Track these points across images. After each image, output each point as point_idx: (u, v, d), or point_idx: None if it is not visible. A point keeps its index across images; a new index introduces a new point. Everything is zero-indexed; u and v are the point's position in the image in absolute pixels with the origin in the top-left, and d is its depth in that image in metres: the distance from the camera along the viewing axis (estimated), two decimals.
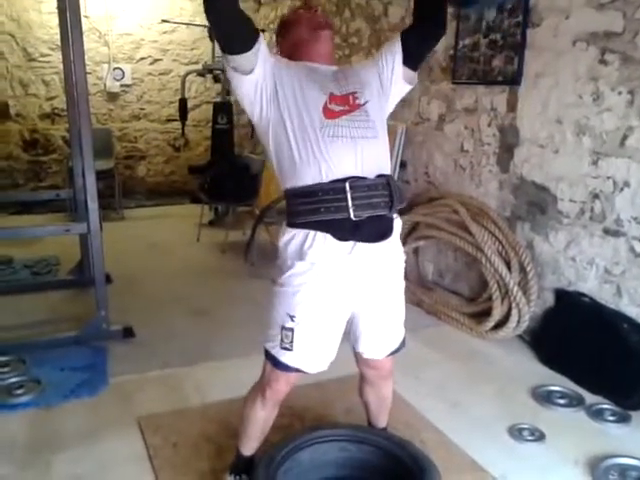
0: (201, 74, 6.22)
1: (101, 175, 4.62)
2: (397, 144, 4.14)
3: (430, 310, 3.71)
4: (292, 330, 1.72)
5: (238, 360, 2.90)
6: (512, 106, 3.37)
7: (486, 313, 3.37)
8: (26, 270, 4.43)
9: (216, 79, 6.16)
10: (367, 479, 1.97)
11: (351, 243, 1.68)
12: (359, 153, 1.68)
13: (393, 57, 1.82)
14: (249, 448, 1.97)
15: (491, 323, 3.30)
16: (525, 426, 2.48)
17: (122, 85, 6.69)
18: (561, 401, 2.71)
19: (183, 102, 5.90)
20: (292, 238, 1.70)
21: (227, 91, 6.02)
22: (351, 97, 1.72)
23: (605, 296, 2.92)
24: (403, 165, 4.25)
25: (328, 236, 1.67)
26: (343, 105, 1.70)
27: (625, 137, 2.76)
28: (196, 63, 6.79)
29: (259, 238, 4.40)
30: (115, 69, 6.58)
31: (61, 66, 3.89)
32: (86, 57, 3.10)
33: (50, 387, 2.72)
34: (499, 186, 3.53)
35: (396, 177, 4.11)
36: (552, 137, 3.13)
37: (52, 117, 6.49)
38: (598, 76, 2.85)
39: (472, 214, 3.49)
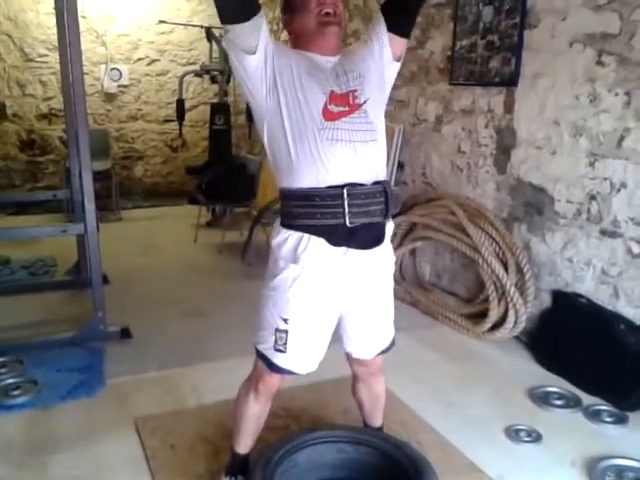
0: (199, 75, 6.22)
1: (98, 176, 4.62)
2: (394, 145, 4.14)
3: (427, 311, 3.71)
4: (286, 332, 1.72)
5: (235, 361, 2.88)
6: (509, 107, 3.38)
7: (483, 314, 3.37)
8: (23, 271, 4.43)
9: (213, 80, 6.16)
10: None
11: (344, 248, 1.69)
12: (357, 158, 1.66)
13: (380, 40, 1.78)
14: (244, 446, 1.97)
15: (488, 324, 3.30)
16: (522, 427, 2.48)
17: (119, 86, 6.69)
18: (558, 402, 2.71)
19: (180, 103, 5.89)
20: (286, 240, 1.70)
21: (225, 92, 6.02)
22: (351, 95, 1.68)
23: (602, 297, 2.93)
24: (400, 166, 4.25)
25: (322, 240, 1.67)
26: (343, 106, 1.66)
27: (622, 138, 2.77)
28: (193, 64, 6.79)
29: (256, 239, 4.40)
30: (112, 70, 6.58)
31: (58, 66, 3.90)
32: (83, 57, 3.10)
33: (47, 388, 2.72)
34: (496, 187, 3.53)
35: (393, 178, 4.12)
36: (549, 138, 3.14)
37: (49, 117, 6.48)
38: (595, 77, 2.86)
39: (469, 215, 3.50)
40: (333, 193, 1.64)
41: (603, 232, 2.90)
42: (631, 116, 2.72)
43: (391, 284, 1.90)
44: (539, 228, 3.25)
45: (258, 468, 1.78)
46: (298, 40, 1.74)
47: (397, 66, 1.85)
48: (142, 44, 6.70)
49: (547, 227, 3.20)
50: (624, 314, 2.82)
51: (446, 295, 3.84)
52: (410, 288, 3.91)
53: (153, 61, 6.80)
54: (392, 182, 4.08)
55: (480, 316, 3.40)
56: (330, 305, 1.76)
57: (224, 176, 5.27)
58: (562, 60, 3.02)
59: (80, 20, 3.07)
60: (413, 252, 4.11)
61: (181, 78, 6.03)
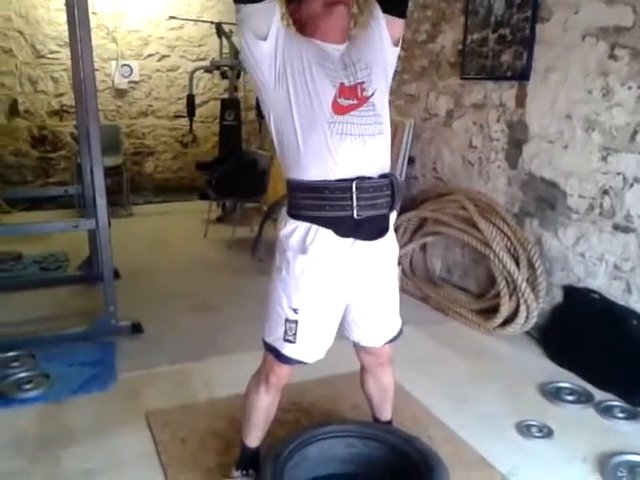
0: (209, 70, 6.22)
1: (109, 171, 4.63)
2: (405, 140, 4.12)
3: (438, 306, 3.70)
4: (296, 322, 1.73)
5: (245, 355, 2.88)
6: (521, 101, 3.36)
7: (494, 309, 3.35)
8: (35, 266, 4.46)
9: (224, 75, 6.16)
10: (374, 475, 1.97)
11: (351, 240, 1.70)
12: (366, 151, 1.67)
13: (378, 23, 1.76)
14: (254, 438, 1.97)
15: (499, 319, 3.29)
16: (533, 422, 2.47)
17: (130, 82, 6.70)
18: (570, 398, 2.70)
19: (191, 98, 5.90)
20: (294, 231, 1.71)
21: (235, 87, 6.02)
22: (359, 88, 1.68)
23: (614, 292, 2.90)
24: (411, 161, 4.24)
25: (330, 232, 1.68)
26: (352, 99, 1.66)
27: (635, 132, 2.74)
28: (204, 59, 6.78)
29: (267, 234, 4.41)
30: (123, 66, 6.59)
31: (69, 63, 3.91)
32: (94, 54, 3.10)
33: (59, 382, 2.74)
34: (508, 182, 3.51)
35: (404, 173, 4.11)
36: (561, 133, 3.11)
37: (60, 114, 6.51)
38: (608, 71, 2.83)
39: (480, 210, 3.48)
40: (342, 186, 1.65)
41: (616, 227, 2.88)
42: None
43: (396, 272, 1.92)
44: (551, 223, 3.23)
45: (268, 462, 1.79)
46: (305, 27, 1.72)
47: (396, 51, 1.84)
48: (152, 40, 6.70)
49: (559, 222, 3.18)
50: (637, 310, 2.80)
51: (457, 290, 3.82)
52: (420, 283, 3.90)
53: (163, 57, 6.81)
54: (402, 177, 4.07)
55: (491, 311, 3.39)
56: (338, 294, 1.77)
57: (234, 171, 5.28)
58: (574, 54, 2.99)
59: (91, 16, 3.09)
60: (424, 247, 4.10)
61: (191, 74, 6.04)
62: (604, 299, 2.93)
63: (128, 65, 6.61)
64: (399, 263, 2.62)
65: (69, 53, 3.82)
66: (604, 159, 2.90)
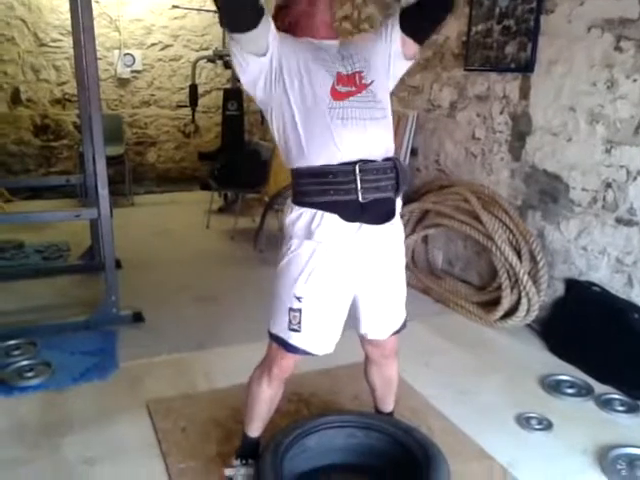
0: (211, 60, 6.20)
1: (111, 161, 4.64)
2: (408, 131, 4.11)
3: (439, 298, 3.70)
4: (300, 311, 1.72)
5: (247, 345, 2.89)
6: (525, 93, 3.34)
7: (495, 302, 3.35)
8: (37, 255, 4.46)
9: (227, 65, 6.13)
10: (374, 465, 1.98)
11: (357, 224, 1.70)
12: (368, 135, 1.68)
13: (389, 32, 1.79)
14: (255, 428, 1.98)
15: (500, 312, 3.29)
16: (533, 415, 2.48)
17: (132, 71, 6.67)
18: (570, 390, 2.70)
19: (193, 88, 5.88)
20: (299, 216, 1.71)
21: (237, 78, 6.00)
22: (357, 76, 1.71)
23: (616, 286, 2.90)
24: (414, 152, 4.22)
25: (336, 216, 1.68)
26: (350, 86, 1.69)
27: None
28: (207, 49, 6.75)
29: (268, 225, 4.41)
30: (126, 55, 6.56)
31: (72, 51, 3.89)
32: (97, 43, 3.09)
33: (60, 370, 2.74)
34: (510, 174, 3.50)
35: (406, 165, 4.10)
36: (565, 125, 3.10)
37: (63, 102, 6.49)
38: (613, 63, 2.81)
39: (483, 202, 3.47)
40: (346, 170, 1.66)
41: (618, 220, 2.87)
42: None
43: (403, 261, 1.91)
44: (554, 216, 3.22)
45: (268, 452, 1.79)
46: (297, 28, 1.76)
47: (407, 64, 1.86)
48: (155, 29, 6.67)
49: (562, 215, 3.17)
50: (638, 303, 2.80)
51: (458, 283, 3.82)
52: (422, 276, 3.90)
53: (166, 46, 6.78)
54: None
55: (493, 304, 3.39)
56: (344, 282, 1.76)
57: (236, 162, 5.28)
58: (579, 45, 2.97)
59: (93, 5, 3.07)
60: (425, 239, 4.10)
61: (194, 63, 6.02)
62: (606, 292, 2.93)
63: (131, 54, 6.59)
64: None
65: (72, 41, 3.81)
66: (608, 152, 2.88)
